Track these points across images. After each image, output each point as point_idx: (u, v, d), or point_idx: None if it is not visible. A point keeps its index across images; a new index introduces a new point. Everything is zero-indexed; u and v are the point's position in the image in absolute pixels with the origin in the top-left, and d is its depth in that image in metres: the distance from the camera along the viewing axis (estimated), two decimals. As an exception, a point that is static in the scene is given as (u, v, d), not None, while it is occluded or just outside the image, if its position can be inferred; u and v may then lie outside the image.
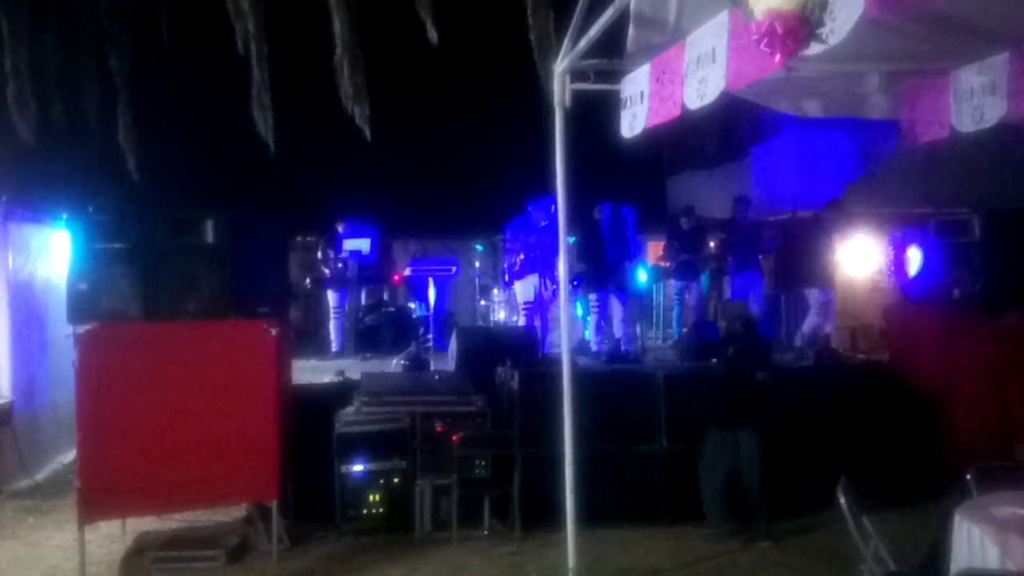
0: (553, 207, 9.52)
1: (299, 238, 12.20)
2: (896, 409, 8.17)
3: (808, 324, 10.23)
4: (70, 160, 12.09)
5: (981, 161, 11.00)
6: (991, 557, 4.02)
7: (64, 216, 6.88)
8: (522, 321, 10.19)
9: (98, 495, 6.22)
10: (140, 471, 6.26)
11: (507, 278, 10.40)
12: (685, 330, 10.57)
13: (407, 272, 11.58)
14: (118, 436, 6.27)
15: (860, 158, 14.51)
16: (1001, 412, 7.61)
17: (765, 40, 3.18)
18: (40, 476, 8.62)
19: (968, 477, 4.85)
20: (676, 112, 4.81)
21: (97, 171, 12.28)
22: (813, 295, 10.20)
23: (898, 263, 9.74)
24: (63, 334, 7.81)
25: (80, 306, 6.56)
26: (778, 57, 3.24)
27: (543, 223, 9.69)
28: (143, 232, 6.59)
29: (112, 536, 6.92)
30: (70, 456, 8.12)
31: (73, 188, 10.91)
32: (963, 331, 8.20)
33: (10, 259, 8.65)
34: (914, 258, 9.34)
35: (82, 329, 6.48)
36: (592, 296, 10.29)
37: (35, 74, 10.96)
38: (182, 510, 6.95)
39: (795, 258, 10.33)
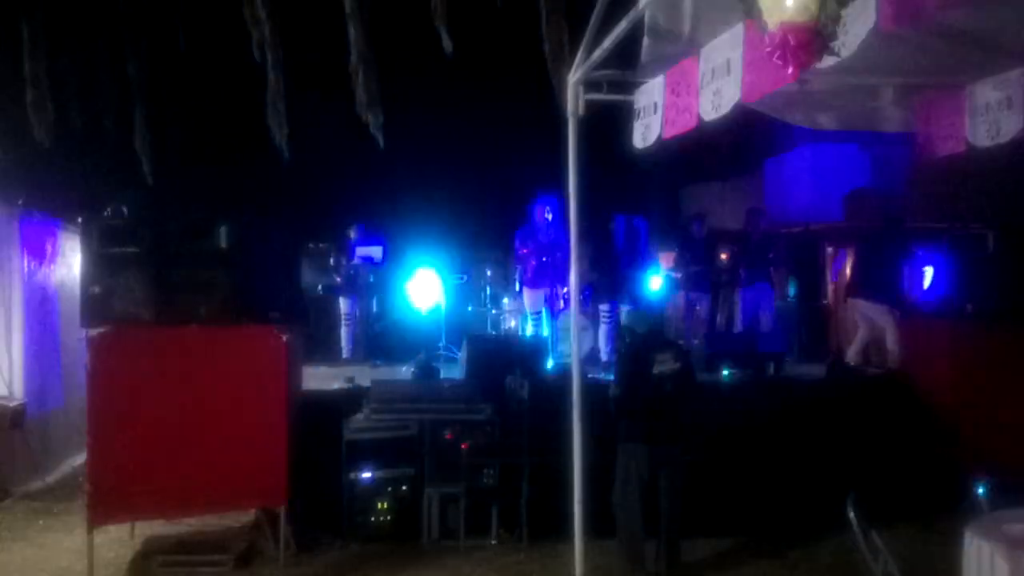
0: (552, 204, 9.56)
1: (311, 244, 12.21)
2: (907, 424, 8.14)
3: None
4: (86, 164, 12.18)
5: (996, 176, 10.95)
6: (1001, 574, 3.99)
7: (79, 220, 6.91)
8: (531, 331, 10.17)
9: (108, 498, 6.24)
10: (150, 475, 6.29)
11: (518, 287, 10.38)
12: (696, 341, 10.54)
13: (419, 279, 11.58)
14: (129, 439, 6.28)
15: (874, 172, 14.45)
16: (1014, 428, 7.55)
17: (778, 52, 3.18)
18: (51, 478, 8.65)
19: (980, 493, 4.83)
20: (692, 123, 4.81)
21: (112, 175, 12.35)
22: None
23: (913, 277, 9.69)
24: (76, 337, 7.86)
25: (93, 309, 6.59)
26: (791, 69, 3.24)
27: (548, 216, 9.66)
28: (157, 237, 6.62)
29: (121, 539, 6.95)
30: (81, 459, 8.15)
31: (88, 192, 10.99)
32: (976, 346, 8.16)
33: (25, 262, 8.71)
34: (928, 273, 9.30)
35: (95, 332, 6.51)
36: (604, 307, 10.27)
37: (52, 79, 11.04)
38: (190, 514, 6.96)
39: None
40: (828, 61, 3.32)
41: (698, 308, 11.26)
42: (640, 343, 6.77)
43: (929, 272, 9.30)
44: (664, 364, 6.49)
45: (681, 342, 10.31)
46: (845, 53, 3.28)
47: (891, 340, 9.65)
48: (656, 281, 10.77)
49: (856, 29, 3.24)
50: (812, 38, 3.16)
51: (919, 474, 7.91)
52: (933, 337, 8.67)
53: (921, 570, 4.87)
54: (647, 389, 6.41)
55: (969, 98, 5.23)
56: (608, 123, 5.98)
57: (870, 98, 5.56)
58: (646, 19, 4.76)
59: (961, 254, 9.13)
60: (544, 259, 9.72)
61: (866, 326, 9.71)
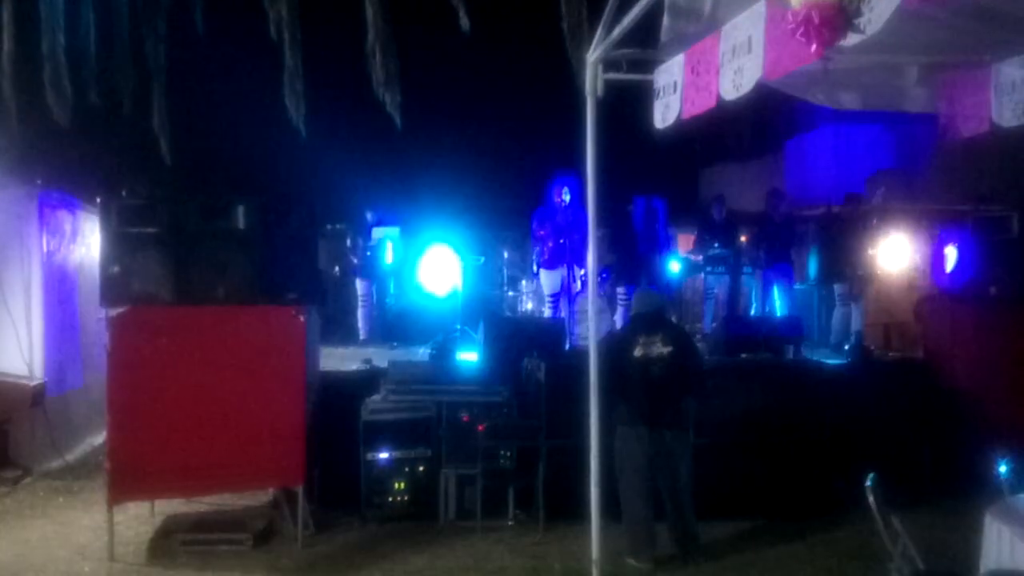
0: (570, 184, 9.49)
1: (329, 226, 12.20)
2: (928, 407, 8.07)
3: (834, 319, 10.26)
4: (104, 144, 12.20)
5: (1021, 157, 10.80)
6: (1021, 557, 3.96)
7: (97, 199, 6.93)
8: (548, 313, 10.14)
9: (127, 477, 6.30)
10: (169, 454, 6.34)
11: (536, 268, 10.34)
12: (715, 324, 10.49)
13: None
14: (148, 419, 6.34)
15: (897, 152, 14.31)
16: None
17: (802, 29, 3.12)
18: (71, 457, 8.73)
19: (1002, 475, 4.79)
20: (711, 103, 4.74)
21: (131, 156, 12.38)
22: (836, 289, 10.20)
23: (935, 260, 9.59)
24: (95, 317, 7.90)
25: (112, 289, 6.63)
26: (815, 47, 3.18)
27: (566, 198, 9.58)
28: (175, 217, 6.65)
29: (141, 518, 7.01)
30: (100, 438, 8.23)
31: (107, 172, 11.03)
32: (999, 329, 8.08)
33: (44, 242, 8.75)
34: (951, 255, 9.20)
35: (114, 312, 6.54)
36: (621, 289, 10.22)
37: (70, 58, 11.04)
38: (210, 493, 7.03)
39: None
40: (852, 39, 3.25)
41: (718, 290, 11.20)
42: (626, 326, 6.68)
43: (952, 255, 9.19)
44: (650, 347, 6.29)
45: (687, 326, 10.26)
46: (870, 31, 3.20)
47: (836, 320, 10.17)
48: (674, 265, 10.72)
49: (881, 6, 3.16)
50: (836, 15, 3.10)
51: (940, 457, 7.85)
52: (956, 320, 8.58)
53: (941, 554, 4.83)
54: (629, 372, 6.25)
55: (994, 76, 5.13)
56: (627, 103, 5.91)
57: (894, 77, 5.46)
58: (666, -4, 4.70)
59: (985, 236, 9.00)
60: (561, 240, 9.66)
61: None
